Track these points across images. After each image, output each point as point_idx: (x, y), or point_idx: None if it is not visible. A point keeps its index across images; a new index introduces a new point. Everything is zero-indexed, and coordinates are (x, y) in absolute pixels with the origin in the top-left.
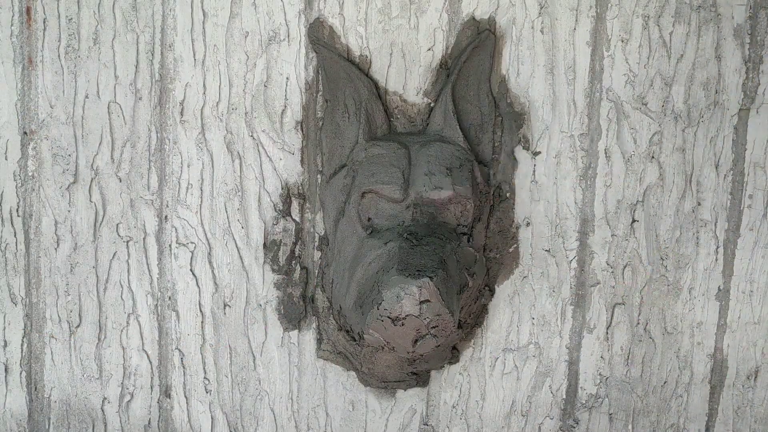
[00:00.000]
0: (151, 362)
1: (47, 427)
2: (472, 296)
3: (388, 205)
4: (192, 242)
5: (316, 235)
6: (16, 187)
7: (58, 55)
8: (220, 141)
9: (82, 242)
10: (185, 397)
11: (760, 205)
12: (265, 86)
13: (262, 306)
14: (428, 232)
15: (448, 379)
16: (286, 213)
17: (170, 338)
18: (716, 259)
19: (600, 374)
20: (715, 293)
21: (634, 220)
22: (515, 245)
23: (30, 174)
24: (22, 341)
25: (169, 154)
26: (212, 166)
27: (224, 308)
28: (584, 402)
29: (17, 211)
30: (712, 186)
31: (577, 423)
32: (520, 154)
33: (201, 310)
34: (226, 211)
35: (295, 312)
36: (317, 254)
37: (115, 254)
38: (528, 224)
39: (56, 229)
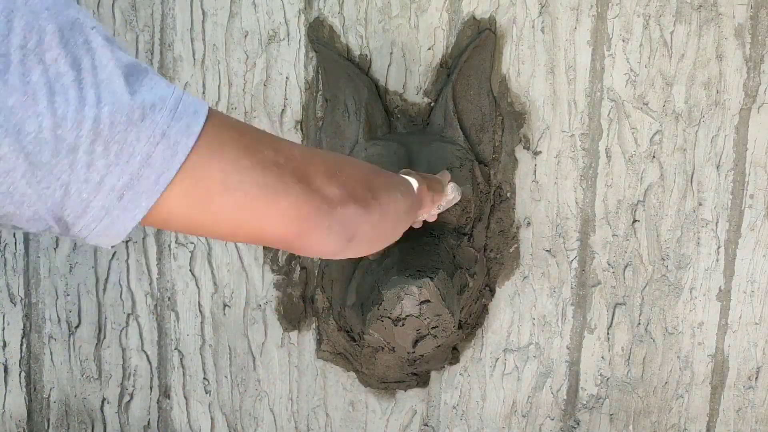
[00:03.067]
0: (150, 363)
1: (46, 427)
2: (473, 296)
3: None
4: (191, 242)
5: None
6: None
7: None
8: None
9: (81, 242)
10: (185, 397)
11: (761, 205)
12: (264, 86)
13: (262, 306)
14: (428, 233)
15: (448, 380)
16: None
17: (170, 339)
18: (717, 260)
19: (601, 375)
20: (716, 293)
21: (634, 220)
22: (516, 245)
23: None
24: (22, 342)
25: None
26: None
27: (224, 309)
28: (585, 402)
29: None
30: (713, 186)
31: (578, 423)
32: (521, 153)
33: (200, 311)
34: None
35: (294, 312)
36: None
37: (114, 254)
38: (528, 224)
39: None
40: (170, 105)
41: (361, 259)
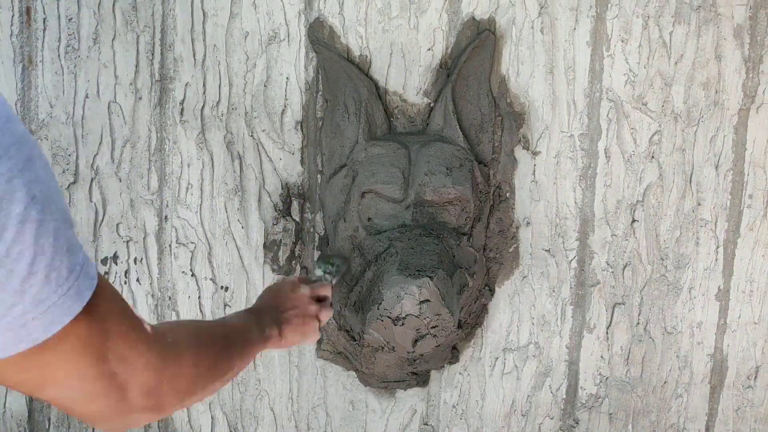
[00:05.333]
0: None
1: (47, 426)
2: (472, 296)
3: (388, 205)
4: (192, 242)
5: (316, 235)
6: None
7: (58, 55)
8: (220, 141)
9: (82, 242)
10: None
11: (760, 204)
12: (265, 86)
13: None
14: (428, 233)
15: (448, 379)
16: (286, 213)
17: None
18: (716, 259)
19: (600, 374)
20: (715, 293)
21: (633, 220)
22: (515, 245)
23: None
24: None
25: (169, 154)
26: (212, 166)
27: (224, 308)
28: (584, 402)
29: None
30: (712, 186)
31: (577, 423)
32: (520, 153)
33: (201, 310)
34: (226, 211)
35: None
36: (317, 254)
37: (115, 254)
38: (528, 224)
39: None
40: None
41: (364, 259)
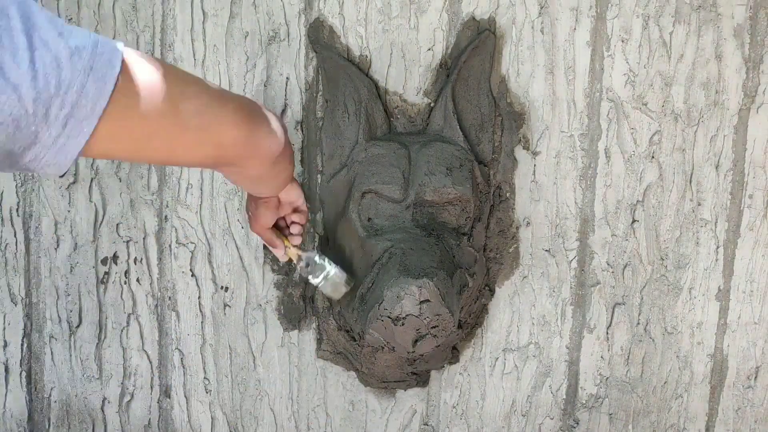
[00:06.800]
0: (151, 362)
1: (47, 427)
2: (472, 296)
3: (388, 205)
4: (192, 242)
5: (316, 235)
6: (16, 187)
7: None
8: None
9: (82, 242)
10: (185, 397)
11: (760, 204)
12: (265, 86)
13: (262, 306)
14: (428, 233)
15: (448, 379)
16: None
17: (170, 338)
18: (716, 259)
19: (600, 374)
20: (715, 293)
21: (634, 220)
22: (515, 245)
23: (30, 174)
24: (22, 341)
25: None
26: None
27: (224, 308)
28: (584, 402)
29: (17, 211)
30: (712, 186)
31: (578, 423)
32: (520, 154)
33: (201, 310)
34: (226, 211)
35: (295, 312)
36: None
37: (115, 254)
38: (528, 224)
39: (56, 229)
40: (91, 45)
41: (361, 258)
